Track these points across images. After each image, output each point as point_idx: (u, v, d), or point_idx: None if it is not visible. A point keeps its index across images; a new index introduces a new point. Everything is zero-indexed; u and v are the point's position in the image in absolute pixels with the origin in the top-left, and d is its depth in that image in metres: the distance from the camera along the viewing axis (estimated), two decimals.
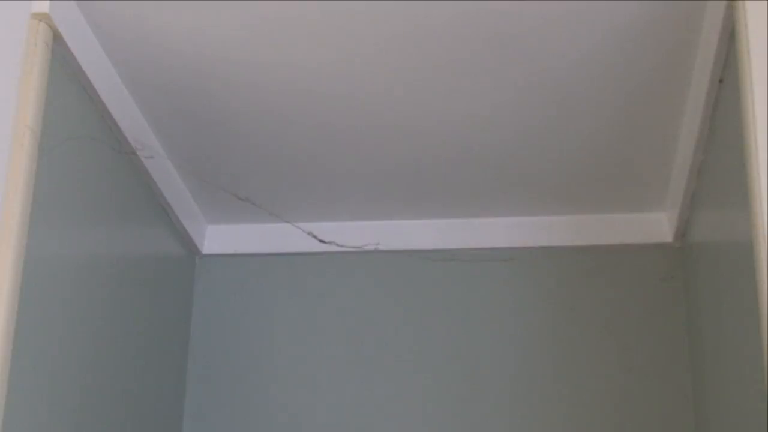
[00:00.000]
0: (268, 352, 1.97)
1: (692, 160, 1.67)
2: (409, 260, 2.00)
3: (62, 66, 1.43)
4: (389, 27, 1.49)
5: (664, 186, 1.88)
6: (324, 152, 1.79)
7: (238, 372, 1.97)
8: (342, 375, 1.95)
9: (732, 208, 1.44)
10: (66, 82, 1.44)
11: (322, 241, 1.94)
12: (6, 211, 1.28)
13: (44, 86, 1.36)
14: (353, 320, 1.98)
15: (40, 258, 1.34)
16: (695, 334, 1.83)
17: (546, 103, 1.65)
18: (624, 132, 1.72)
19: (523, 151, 1.78)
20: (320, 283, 2.01)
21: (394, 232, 2.01)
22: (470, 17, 1.46)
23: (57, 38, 1.40)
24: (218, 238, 2.04)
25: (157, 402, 1.83)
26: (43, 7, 1.37)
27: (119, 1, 1.45)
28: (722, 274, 1.57)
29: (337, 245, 1.96)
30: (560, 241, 1.97)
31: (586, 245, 1.97)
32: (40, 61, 1.36)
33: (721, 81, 1.46)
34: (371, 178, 1.87)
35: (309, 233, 1.94)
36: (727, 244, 1.51)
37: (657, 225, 1.96)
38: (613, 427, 1.88)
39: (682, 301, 1.92)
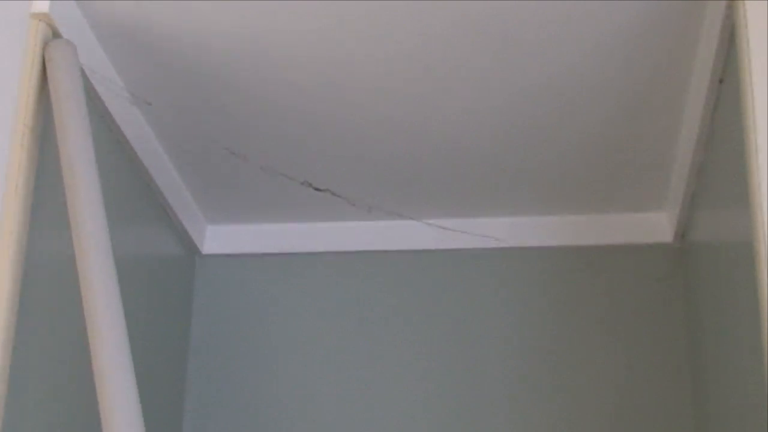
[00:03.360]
0: (268, 352, 1.97)
1: (692, 160, 1.67)
2: (409, 260, 2.00)
3: None
4: (389, 27, 1.49)
5: (664, 186, 1.88)
6: (324, 152, 1.79)
7: (238, 372, 1.97)
8: (342, 374, 1.95)
9: (732, 208, 1.44)
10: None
11: (317, 189, 1.91)
12: (6, 211, 1.28)
13: (44, 86, 1.36)
14: (353, 320, 1.98)
15: (39, 258, 1.34)
16: (695, 334, 1.83)
17: (546, 102, 1.65)
18: (624, 132, 1.72)
19: (522, 151, 1.78)
20: (320, 283, 2.01)
21: (394, 232, 2.01)
22: (470, 17, 1.46)
23: (57, 37, 1.40)
24: (218, 238, 2.04)
25: (157, 402, 1.83)
26: (43, 7, 1.37)
27: (119, 1, 1.45)
28: (722, 274, 1.57)
29: (332, 193, 1.93)
30: (560, 241, 1.97)
31: (586, 245, 1.97)
32: (40, 61, 1.36)
33: (721, 81, 1.46)
34: (370, 178, 1.87)
35: (304, 182, 1.91)
36: (727, 244, 1.51)
37: (657, 225, 1.96)
38: (613, 428, 1.88)
39: (682, 301, 1.92)
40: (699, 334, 1.80)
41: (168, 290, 1.91)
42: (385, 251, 2.01)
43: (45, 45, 1.36)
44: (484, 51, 1.53)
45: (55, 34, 1.39)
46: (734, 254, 1.45)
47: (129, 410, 1.20)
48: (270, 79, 1.61)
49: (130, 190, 1.71)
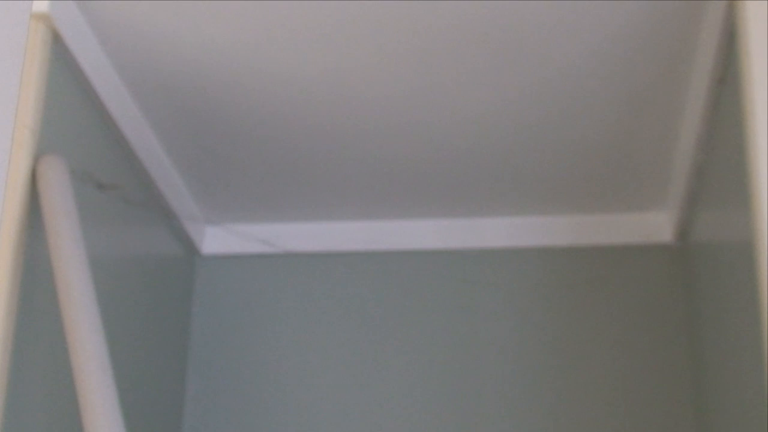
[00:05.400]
0: (268, 352, 1.97)
1: (692, 160, 1.67)
2: (409, 260, 2.00)
3: (62, 66, 1.43)
4: (389, 27, 1.49)
5: (664, 186, 1.88)
6: (324, 152, 1.79)
7: (238, 372, 1.97)
8: (342, 374, 1.95)
9: (732, 208, 1.44)
10: (66, 82, 1.44)
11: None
12: (6, 211, 1.28)
13: (44, 86, 1.36)
14: (353, 320, 1.98)
15: (40, 258, 1.34)
16: (695, 334, 1.83)
17: (546, 103, 1.65)
18: (624, 132, 1.72)
19: (523, 151, 1.78)
20: (320, 283, 2.01)
21: (394, 232, 2.01)
22: (469, 18, 1.46)
23: (57, 38, 1.40)
24: (218, 238, 2.04)
25: (157, 401, 1.83)
26: (43, 8, 1.37)
27: (119, 1, 1.45)
28: (722, 274, 1.57)
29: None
30: (560, 241, 1.97)
31: (586, 245, 1.97)
32: (40, 61, 1.36)
33: (721, 81, 1.46)
34: (371, 178, 1.87)
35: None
36: (728, 244, 1.51)
37: (657, 225, 1.96)
38: (613, 428, 1.88)
39: (682, 301, 1.92)
40: (699, 334, 1.80)
41: (168, 290, 1.91)
42: (385, 251, 2.01)
43: (36, 160, 1.33)
44: (484, 51, 1.53)
45: (56, 35, 1.39)
46: (734, 254, 1.45)
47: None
48: (270, 80, 1.60)
49: (130, 189, 1.71)
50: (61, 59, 1.42)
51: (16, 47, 1.35)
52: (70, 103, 1.46)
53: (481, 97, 1.64)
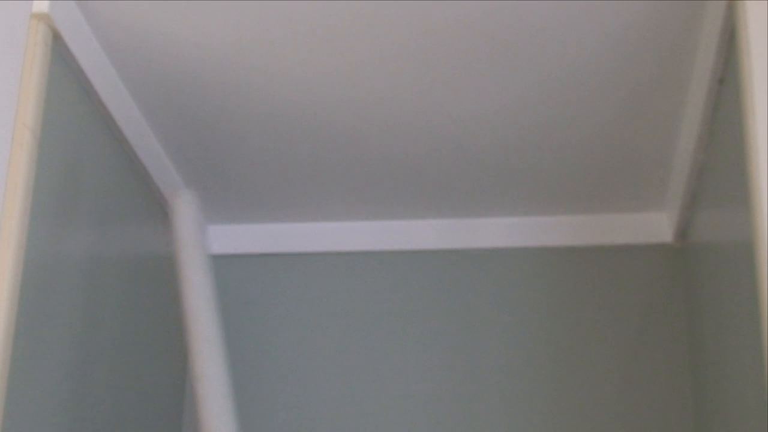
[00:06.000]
0: (268, 352, 1.97)
1: (692, 160, 1.67)
2: (409, 260, 2.00)
3: (62, 66, 1.43)
4: (389, 28, 1.49)
5: (664, 186, 1.88)
6: (324, 152, 1.79)
7: (238, 372, 1.95)
8: (342, 375, 1.95)
9: (732, 208, 1.44)
10: (66, 82, 1.44)
11: None
12: (6, 211, 1.28)
13: (44, 86, 1.36)
14: (353, 320, 1.98)
15: (39, 258, 1.34)
16: (695, 334, 1.83)
17: (545, 103, 1.65)
18: (624, 132, 1.72)
19: (522, 151, 1.78)
20: (320, 283, 2.01)
21: (394, 232, 2.01)
22: (470, 18, 1.46)
23: (57, 38, 1.40)
24: (218, 238, 2.04)
25: (157, 402, 1.83)
26: (43, 7, 1.37)
27: (119, 1, 1.45)
28: (723, 274, 1.57)
29: None
30: (560, 241, 1.97)
31: (585, 245, 1.97)
32: (40, 61, 1.36)
33: (721, 81, 1.46)
34: (371, 179, 1.87)
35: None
36: (728, 245, 1.51)
37: (657, 225, 1.96)
38: (613, 428, 1.88)
39: (682, 301, 1.92)
40: (699, 334, 1.80)
41: (168, 290, 1.91)
42: (385, 251, 2.01)
43: (173, 196, 1.63)
44: (484, 51, 1.53)
45: (55, 35, 1.39)
46: (734, 254, 1.45)
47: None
48: (270, 80, 1.60)
49: (130, 189, 1.71)
50: (61, 59, 1.42)
51: (16, 47, 1.35)
52: (70, 103, 1.46)
53: (481, 97, 1.64)
